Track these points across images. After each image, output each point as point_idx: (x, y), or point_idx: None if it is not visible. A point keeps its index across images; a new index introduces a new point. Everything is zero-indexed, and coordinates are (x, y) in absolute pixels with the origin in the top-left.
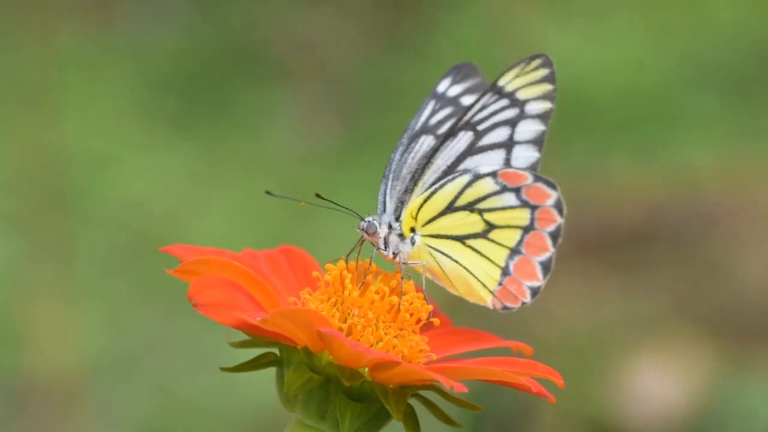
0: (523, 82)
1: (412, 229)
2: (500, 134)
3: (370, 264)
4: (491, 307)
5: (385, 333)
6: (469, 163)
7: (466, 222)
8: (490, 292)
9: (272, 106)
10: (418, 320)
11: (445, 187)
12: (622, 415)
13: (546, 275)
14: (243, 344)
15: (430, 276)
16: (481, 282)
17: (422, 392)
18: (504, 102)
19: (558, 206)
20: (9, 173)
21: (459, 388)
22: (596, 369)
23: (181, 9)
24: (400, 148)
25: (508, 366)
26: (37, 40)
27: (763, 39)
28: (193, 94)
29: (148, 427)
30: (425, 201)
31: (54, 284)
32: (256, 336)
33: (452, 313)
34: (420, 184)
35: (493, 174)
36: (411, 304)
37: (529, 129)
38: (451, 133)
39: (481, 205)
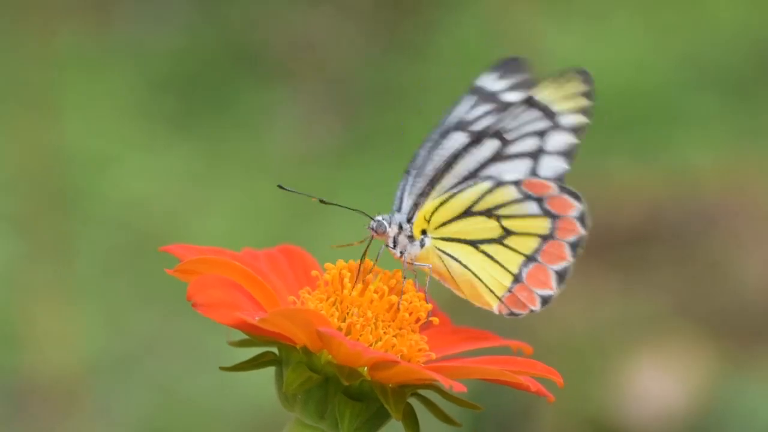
0: (559, 95)
1: (423, 231)
2: (529, 144)
3: (374, 263)
4: (497, 312)
5: (384, 332)
6: (493, 170)
7: (482, 227)
8: (498, 297)
9: (272, 106)
10: (418, 319)
11: (465, 192)
12: (622, 415)
13: (560, 284)
14: (242, 343)
15: (437, 277)
16: (488, 287)
17: (422, 391)
18: (536, 113)
19: (581, 218)
20: (9, 173)
21: (458, 388)
22: (596, 369)
23: (181, 9)
24: (428, 144)
25: (507, 365)
26: (37, 40)
27: (763, 39)
28: (193, 94)
29: (148, 427)
30: (441, 204)
31: (54, 284)
32: (255, 335)
33: (452, 312)
34: (438, 188)
35: (517, 182)
36: (410, 303)
37: (560, 141)
38: (476, 141)
39: (501, 212)
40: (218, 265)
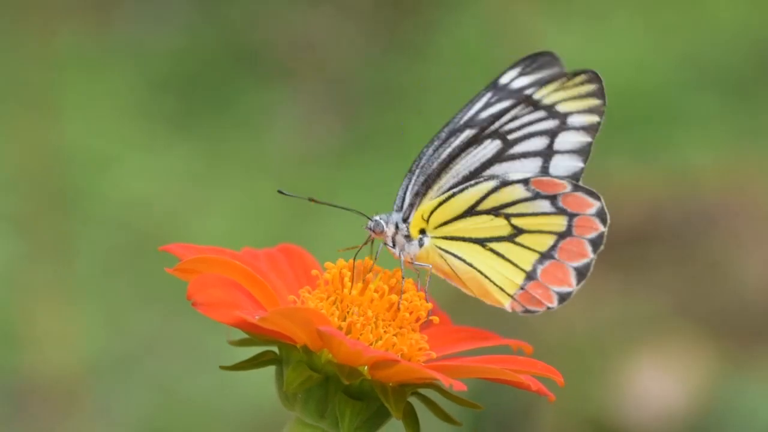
0: (565, 95)
1: (422, 231)
2: (536, 143)
3: (373, 262)
4: (509, 310)
5: (385, 331)
6: (497, 169)
7: (488, 225)
8: (509, 295)
9: (272, 106)
10: (418, 318)
11: (466, 191)
12: (622, 415)
13: (580, 281)
14: (242, 343)
15: (442, 276)
16: (498, 285)
17: (422, 390)
18: (540, 114)
19: (601, 215)
20: (9, 173)
21: (459, 387)
22: (596, 369)
23: (181, 9)
24: (436, 142)
25: (507, 364)
26: (37, 40)
27: (763, 39)
28: (193, 94)
29: (148, 427)
30: (440, 204)
31: (54, 284)
32: (255, 335)
33: (452, 311)
34: (435, 187)
35: (525, 181)
36: (410, 302)
37: (571, 140)
38: (475, 141)
39: (509, 210)
40: (218, 264)
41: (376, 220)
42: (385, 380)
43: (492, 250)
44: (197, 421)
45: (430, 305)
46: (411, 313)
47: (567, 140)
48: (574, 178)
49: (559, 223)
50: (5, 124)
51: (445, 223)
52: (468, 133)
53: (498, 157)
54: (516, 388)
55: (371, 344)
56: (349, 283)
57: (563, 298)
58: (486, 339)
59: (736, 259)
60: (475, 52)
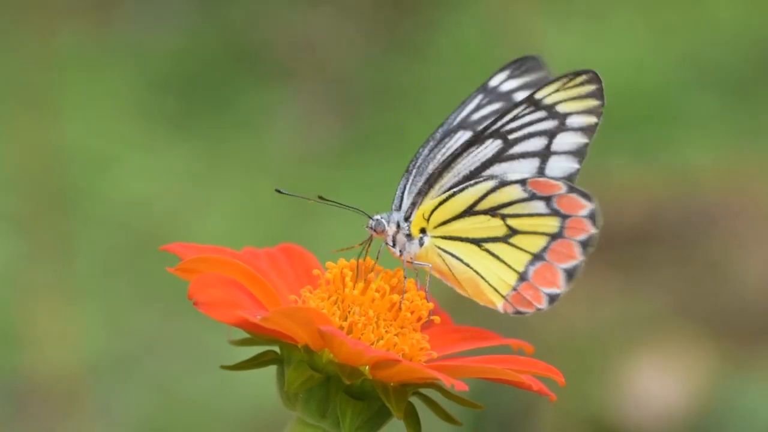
0: (566, 96)
1: (423, 230)
2: (535, 144)
3: (375, 262)
4: (501, 311)
5: (386, 331)
6: (497, 169)
7: (485, 225)
8: (502, 296)
9: (272, 106)
10: (419, 318)
11: (466, 191)
12: (622, 415)
13: (569, 283)
14: (243, 342)
15: (439, 276)
16: (492, 286)
17: (423, 390)
18: (541, 114)
19: (592, 217)
20: (9, 173)
21: (460, 386)
22: (596, 369)
23: (181, 9)
24: (431, 143)
25: (508, 364)
26: (37, 40)
27: (763, 39)
28: (193, 94)
29: (148, 427)
30: (441, 203)
31: (54, 284)
32: (256, 334)
33: (453, 311)
34: (437, 186)
35: (522, 182)
36: (412, 302)
37: (569, 141)
38: (477, 140)
39: (505, 211)
40: (219, 263)
41: (377, 219)
42: (386, 380)
43: (488, 251)
44: (197, 421)
45: (431, 305)
46: (412, 312)
47: (565, 141)
48: (569, 179)
49: (552, 224)
50: (5, 124)
51: (445, 223)
52: (461, 134)
53: (498, 157)
54: (517, 388)
55: (372, 344)
56: (351, 283)
57: (552, 299)
58: (487, 339)
59: (736, 259)
60: (475, 52)
